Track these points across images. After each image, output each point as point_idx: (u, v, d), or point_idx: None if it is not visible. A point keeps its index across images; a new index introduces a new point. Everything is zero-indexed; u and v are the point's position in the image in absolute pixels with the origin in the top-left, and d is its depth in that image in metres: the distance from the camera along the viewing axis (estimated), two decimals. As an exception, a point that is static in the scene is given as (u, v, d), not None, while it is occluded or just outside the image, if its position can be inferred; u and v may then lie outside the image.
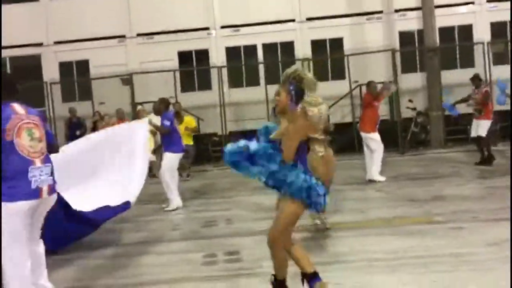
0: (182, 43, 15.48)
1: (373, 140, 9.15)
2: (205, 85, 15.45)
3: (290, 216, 3.46)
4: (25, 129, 3.64)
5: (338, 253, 5.03)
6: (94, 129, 12.91)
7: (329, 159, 5.73)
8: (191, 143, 11.77)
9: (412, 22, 15.07)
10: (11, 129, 3.56)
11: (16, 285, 3.53)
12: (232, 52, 15.63)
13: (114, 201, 5.82)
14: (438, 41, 14.47)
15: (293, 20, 15.53)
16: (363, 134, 9.29)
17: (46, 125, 3.96)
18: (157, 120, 8.28)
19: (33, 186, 3.57)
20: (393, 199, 7.72)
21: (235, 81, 15.48)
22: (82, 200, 5.45)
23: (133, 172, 6.36)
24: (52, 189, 3.74)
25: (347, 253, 5.02)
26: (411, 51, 15.26)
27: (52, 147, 3.97)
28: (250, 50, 15.61)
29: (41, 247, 3.86)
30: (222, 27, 15.66)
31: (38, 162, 3.64)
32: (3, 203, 3.48)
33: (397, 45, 15.03)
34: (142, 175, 6.47)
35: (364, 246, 5.14)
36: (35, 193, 3.59)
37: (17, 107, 3.71)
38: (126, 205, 5.92)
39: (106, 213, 5.69)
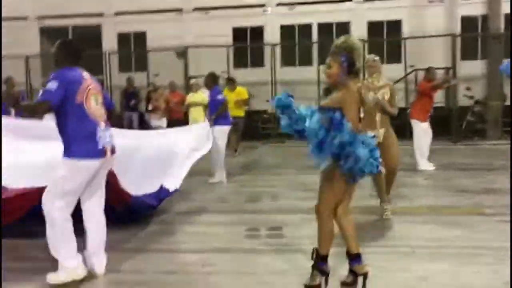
0: (237, 19, 15.52)
1: (421, 128, 8.97)
2: (258, 62, 15.49)
3: (330, 187, 3.46)
4: (93, 94, 3.87)
5: (384, 237, 5.04)
6: (148, 99, 13.27)
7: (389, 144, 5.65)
8: (242, 114, 11.78)
9: (476, 7, 14.45)
10: (81, 93, 3.78)
11: (63, 238, 3.77)
12: (286, 31, 15.54)
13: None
14: (503, 27, 13.84)
15: (350, 0, 15.23)
16: (412, 121, 9.12)
17: (105, 93, 4.19)
18: (206, 93, 8.46)
19: (100, 146, 3.85)
20: (441, 188, 7.58)
21: (288, 60, 15.42)
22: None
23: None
24: (113, 150, 4.02)
25: (392, 238, 5.03)
26: (472, 37, 14.68)
27: (111, 113, 4.20)
28: (305, 29, 15.47)
29: (101, 209, 4.08)
30: (278, 4, 15.56)
31: (103, 125, 3.91)
32: (71, 160, 3.72)
33: (458, 30, 14.49)
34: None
35: (410, 233, 5.11)
36: (102, 153, 3.87)
37: (85, 73, 3.93)
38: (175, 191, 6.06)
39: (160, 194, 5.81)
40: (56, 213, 3.75)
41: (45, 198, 3.79)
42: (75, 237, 3.87)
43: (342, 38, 3.47)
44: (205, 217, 6.13)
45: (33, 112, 3.90)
